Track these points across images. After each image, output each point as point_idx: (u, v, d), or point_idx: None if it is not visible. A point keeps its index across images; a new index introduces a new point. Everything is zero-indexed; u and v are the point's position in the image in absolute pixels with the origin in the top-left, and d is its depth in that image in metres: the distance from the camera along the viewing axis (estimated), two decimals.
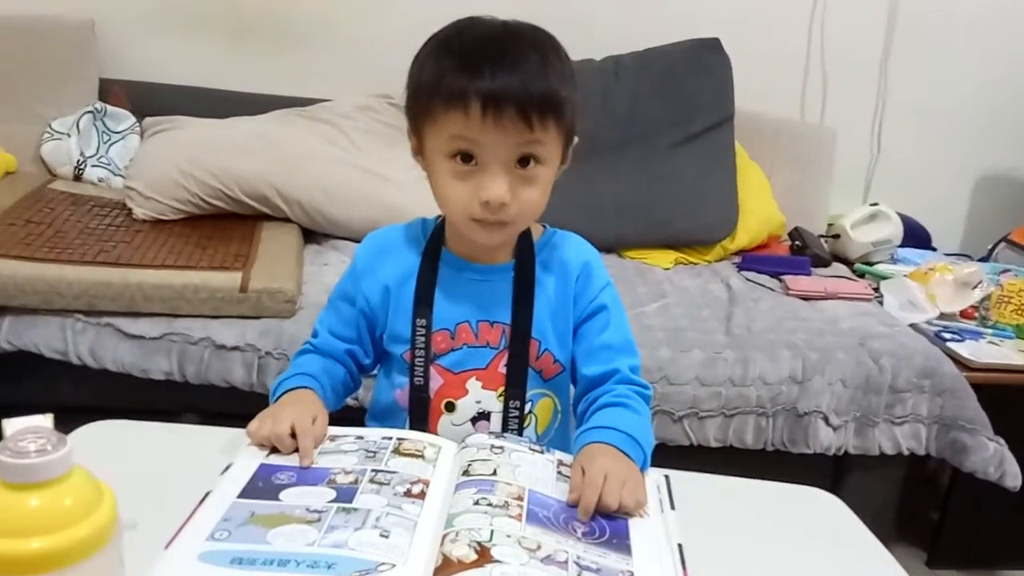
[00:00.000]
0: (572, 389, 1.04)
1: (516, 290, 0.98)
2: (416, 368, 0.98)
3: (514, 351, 0.97)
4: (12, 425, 0.52)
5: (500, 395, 0.98)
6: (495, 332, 0.98)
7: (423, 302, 0.98)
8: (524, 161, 0.88)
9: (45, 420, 0.53)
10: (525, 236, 0.99)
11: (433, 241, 1.00)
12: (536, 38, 0.90)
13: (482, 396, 0.99)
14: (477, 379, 0.99)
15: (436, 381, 0.99)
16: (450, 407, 0.99)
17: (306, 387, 0.95)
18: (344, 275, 1.05)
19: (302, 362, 1.01)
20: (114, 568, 0.54)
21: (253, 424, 0.89)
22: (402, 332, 0.99)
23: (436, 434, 0.99)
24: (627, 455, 0.87)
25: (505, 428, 0.98)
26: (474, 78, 0.84)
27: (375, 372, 1.08)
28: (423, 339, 0.98)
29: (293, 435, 0.87)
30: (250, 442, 0.89)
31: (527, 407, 0.99)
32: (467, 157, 0.88)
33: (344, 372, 1.03)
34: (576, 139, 0.95)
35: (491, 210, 0.88)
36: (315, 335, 1.04)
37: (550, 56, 0.89)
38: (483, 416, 0.99)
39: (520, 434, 0.99)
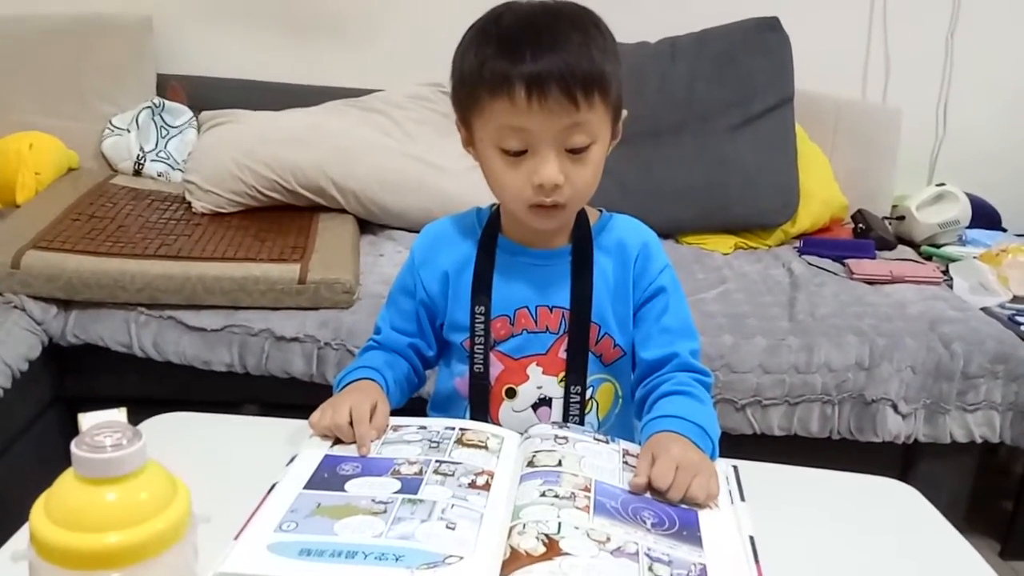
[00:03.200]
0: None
1: (574, 271, 0.96)
2: (476, 355, 0.98)
3: (574, 335, 0.96)
4: (88, 420, 0.52)
5: (561, 380, 0.97)
6: (554, 317, 0.97)
7: (481, 289, 0.97)
8: (574, 149, 0.88)
9: (119, 414, 0.53)
10: (582, 219, 0.97)
11: (489, 228, 0.99)
12: (575, 15, 0.89)
13: (543, 382, 0.98)
14: (538, 364, 0.98)
15: (496, 367, 0.98)
16: (511, 393, 0.98)
17: (368, 378, 0.95)
18: (402, 269, 1.04)
19: (365, 357, 1.01)
20: (188, 562, 0.54)
21: (315, 415, 0.89)
22: (461, 320, 0.99)
23: (497, 421, 0.98)
24: (697, 446, 0.85)
25: (566, 414, 0.97)
26: (516, 62, 0.84)
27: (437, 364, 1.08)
28: (482, 326, 0.97)
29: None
30: (313, 433, 0.89)
31: (588, 392, 0.98)
32: (518, 151, 0.88)
33: (408, 367, 1.03)
34: (625, 112, 0.93)
35: (545, 193, 0.88)
36: (377, 331, 1.04)
37: (591, 32, 0.88)
38: (544, 402, 0.98)
39: (581, 420, 0.98)
